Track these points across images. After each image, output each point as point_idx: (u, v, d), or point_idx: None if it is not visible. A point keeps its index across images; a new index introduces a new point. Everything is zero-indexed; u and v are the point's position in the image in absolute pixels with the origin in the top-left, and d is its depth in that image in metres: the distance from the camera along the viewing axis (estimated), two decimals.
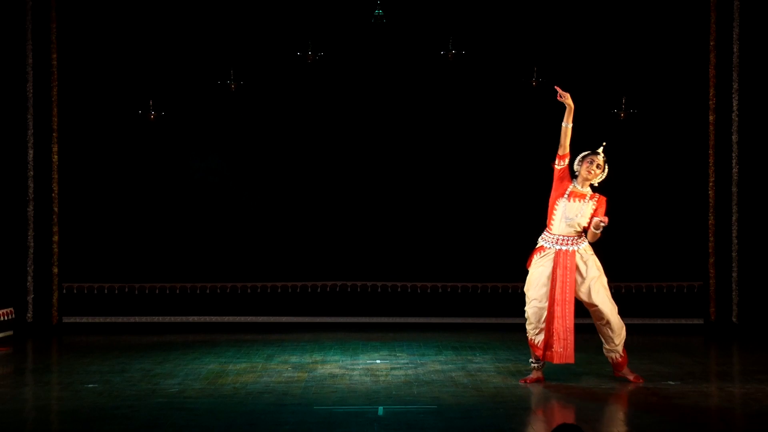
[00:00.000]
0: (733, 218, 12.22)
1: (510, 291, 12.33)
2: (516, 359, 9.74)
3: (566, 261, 8.40)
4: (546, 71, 11.97)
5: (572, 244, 8.47)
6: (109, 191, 12.31)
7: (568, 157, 8.56)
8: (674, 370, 9.18)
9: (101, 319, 12.33)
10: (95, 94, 12.24)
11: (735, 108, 12.12)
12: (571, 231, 8.48)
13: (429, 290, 12.43)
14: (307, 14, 12.17)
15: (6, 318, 11.61)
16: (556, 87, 8.54)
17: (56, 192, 12.21)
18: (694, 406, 7.59)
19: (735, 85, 12.10)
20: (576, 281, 8.43)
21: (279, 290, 12.42)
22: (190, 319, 12.38)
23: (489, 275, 12.39)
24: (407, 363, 9.63)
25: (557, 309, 8.37)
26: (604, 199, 8.56)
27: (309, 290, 12.43)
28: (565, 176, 8.54)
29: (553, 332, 8.37)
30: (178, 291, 12.38)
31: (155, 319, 12.34)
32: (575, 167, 8.56)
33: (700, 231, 12.27)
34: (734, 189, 12.20)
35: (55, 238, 12.25)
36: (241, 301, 12.41)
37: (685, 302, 12.27)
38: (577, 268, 8.43)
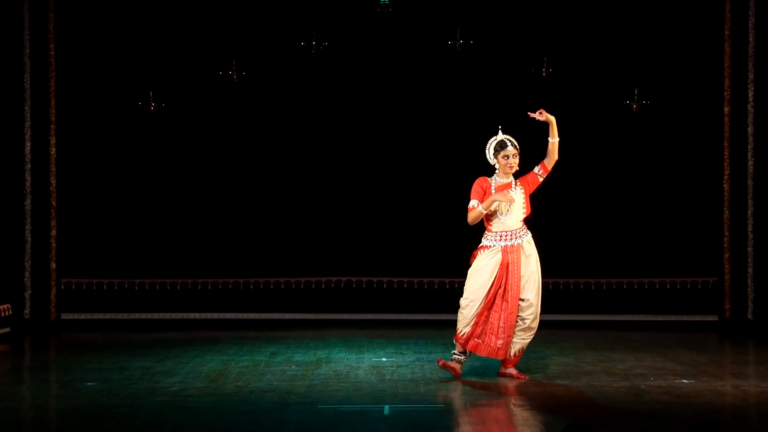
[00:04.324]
0: (749, 212, 12.20)
1: None
2: (525, 357, 9.58)
3: (514, 256, 8.48)
4: (556, 62, 12.01)
5: (517, 238, 8.53)
6: (109, 185, 12.33)
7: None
8: (688, 368, 9.14)
9: (100, 316, 12.35)
10: (94, 86, 12.25)
11: (750, 99, 12.11)
12: (513, 223, 8.53)
13: (436, 286, 12.40)
14: (311, 3, 12.16)
15: (3, 314, 11.61)
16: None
17: (54, 185, 12.24)
18: (708, 405, 7.54)
19: (750, 76, 12.10)
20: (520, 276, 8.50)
21: (282, 286, 12.42)
22: (192, 315, 12.40)
23: None
24: (414, 361, 9.62)
25: (502, 303, 8.43)
26: (524, 176, 8.61)
27: (313, 286, 12.42)
28: (484, 181, 8.61)
29: (489, 324, 8.43)
30: (179, 287, 12.40)
31: (156, 315, 12.37)
32: (490, 160, 8.65)
33: (715, 225, 12.27)
34: (750, 182, 12.19)
35: (53, 232, 12.27)
36: (243, 297, 12.41)
37: (699, 298, 12.28)
38: (520, 262, 8.49)
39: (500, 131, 8.65)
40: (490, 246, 8.51)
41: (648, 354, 9.77)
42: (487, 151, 8.63)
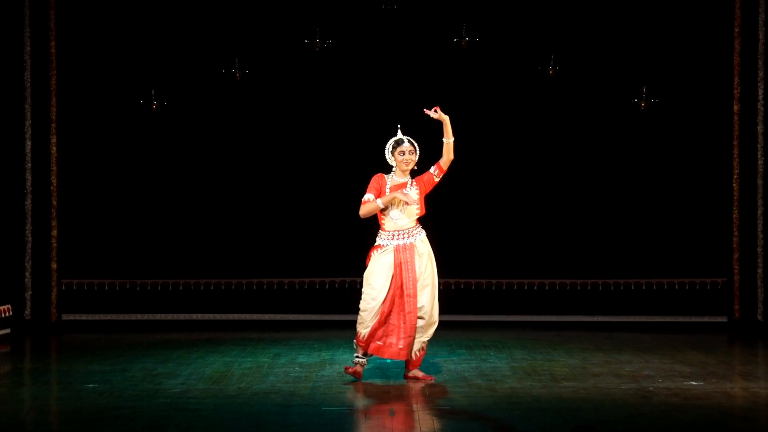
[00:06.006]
0: (759, 212, 12.16)
1: (526, 288, 12.33)
2: (532, 358, 9.75)
3: (406, 255, 8.51)
4: (564, 60, 11.98)
5: (409, 236, 8.55)
6: (110, 184, 12.32)
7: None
8: (697, 369, 9.11)
9: (102, 317, 12.35)
10: (95, 84, 12.24)
11: (760, 97, 12.08)
12: (405, 222, 8.56)
13: (441, 287, 12.17)
14: (315, 0, 12.13)
15: (3, 315, 11.61)
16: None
17: (55, 185, 12.23)
18: (717, 408, 7.51)
19: (760, 74, 12.06)
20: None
21: (286, 287, 12.40)
22: (194, 316, 12.39)
23: (503, 272, 12.37)
24: None
25: (400, 303, 8.44)
26: (420, 176, 8.63)
27: (317, 287, 12.40)
28: (381, 178, 8.65)
29: (390, 325, 8.45)
30: (181, 287, 12.38)
31: (158, 316, 12.36)
32: (388, 159, 8.67)
33: (724, 226, 12.23)
34: (759, 182, 12.14)
35: (54, 232, 12.26)
36: (246, 297, 12.40)
37: (709, 299, 12.25)
38: (414, 261, 8.53)
39: (399, 131, 8.68)
40: (382, 245, 8.54)
41: (656, 355, 9.76)
42: (386, 150, 8.67)
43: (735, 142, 12.10)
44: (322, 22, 12.00)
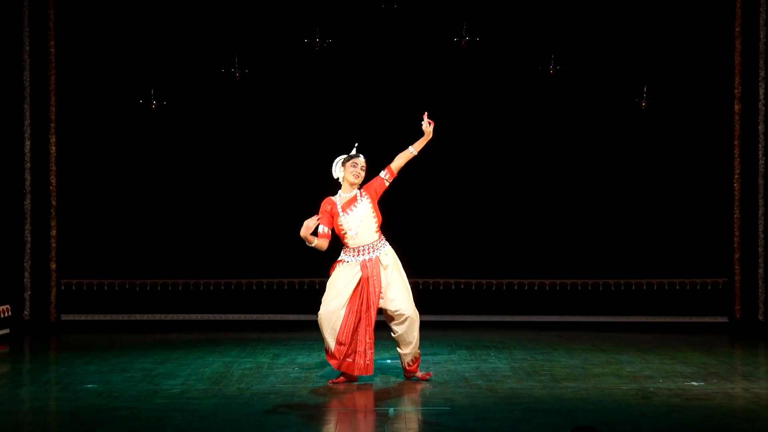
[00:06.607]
0: (760, 212, 12.16)
1: (526, 288, 12.31)
2: (533, 359, 9.74)
3: (372, 269, 8.46)
4: (564, 59, 11.96)
5: (374, 250, 8.51)
6: (110, 184, 12.32)
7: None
8: (698, 370, 9.10)
9: (101, 317, 12.35)
10: (94, 83, 12.23)
11: (761, 97, 12.07)
12: (366, 238, 8.50)
13: (442, 287, 12.36)
14: (315, 0, 12.12)
15: (3, 315, 11.58)
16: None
17: (54, 185, 12.23)
18: (719, 408, 7.50)
19: (762, 73, 12.05)
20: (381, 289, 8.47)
21: (286, 287, 12.39)
22: (193, 316, 12.38)
23: (503, 272, 12.35)
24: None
25: (367, 317, 8.41)
26: (369, 183, 8.59)
27: (317, 287, 12.33)
28: (329, 204, 8.58)
29: (357, 341, 8.40)
30: (180, 287, 12.38)
31: (157, 316, 12.36)
32: (335, 174, 8.64)
33: (725, 225, 12.22)
34: (760, 181, 12.13)
35: (53, 232, 12.26)
36: (246, 298, 12.39)
37: (709, 300, 12.24)
38: (380, 275, 8.48)
39: (355, 148, 8.67)
40: (347, 261, 8.51)
41: (657, 356, 9.75)
42: (333, 167, 8.63)
43: (736, 142, 12.09)
44: (322, 21, 11.98)
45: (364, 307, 8.40)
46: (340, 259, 8.57)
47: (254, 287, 12.34)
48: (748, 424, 7.08)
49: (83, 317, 12.26)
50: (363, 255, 8.47)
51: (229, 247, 12.33)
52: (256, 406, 7.58)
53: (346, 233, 8.47)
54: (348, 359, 8.39)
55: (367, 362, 8.38)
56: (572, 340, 10.85)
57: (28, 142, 12.08)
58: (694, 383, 8.39)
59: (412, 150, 8.60)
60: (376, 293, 8.40)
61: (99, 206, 12.25)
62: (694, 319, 12.17)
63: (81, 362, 9.61)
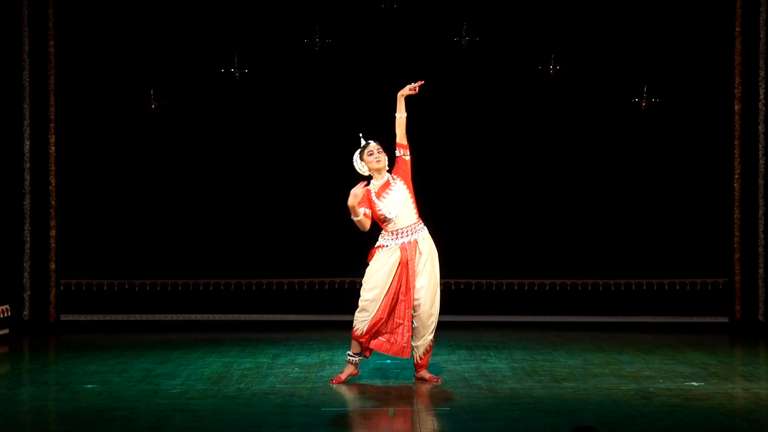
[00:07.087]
0: (760, 212, 12.14)
1: (526, 288, 12.31)
2: (533, 359, 9.73)
3: (411, 252, 8.46)
4: (564, 59, 11.95)
5: (412, 233, 8.51)
6: (109, 184, 12.29)
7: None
8: (698, 370, 9.09)
9: (100, 317, 12.33)
10: (94, 83, 12.21)
11: (762, 97, 12.04)
12: (405, 221, 8.51)
13: (442, 287, 12.16)
14: (315, 0, 12.11)
15: (2, 316, 11.55)
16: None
17: (54, 185, 12.21)
18: (719, 408, 7.49)
19: (762, 73, 12.03)
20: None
21: (285, 287, 12.37)
22: (193, 317, 12.37)
23: (503, 272, 12.34)
24: None
25: (406, 300, 8.42)
26: (395, 167, 8.57)
27: (317, 287, 12.38)
28: (367, 191, 8.53)
29: (394, 323, 8.41)
30: (180, 288, 12.36)
31: (156, 316, 12.33)
32: (359, 168, 8.63)
33: (725, 225, 12.19)
34: (760, 181, 12.11)
35: (53, 232, 12.24)
36: (246, 298, 12.37)
37: (709, 300, 12.22)
38: (415, 258, 8.50)
39: (362, 138, 8.68)
40: (386, 245, 8.49)
41: (657, 356, 9.74)
42: (354, 166, 8.63)
43: (736, 142, 12.07)
44: (322, 21, 11.98)
45: (403, 289, 8.39)
46: (379, 244, 8.54)
47: (254, 287, 12.33)
48: (748, 424, 7.07)
49: (83, 317, 12.24)
50: (402, 237, 8.46)
51: (229, 247, 12.32)
52: (256, 406, 7.57)
53: (385, 217, 8.46)
54: (381, 338, 8.39)
55: (403, 344, 8.38)
56: (572, 341, 10.84)
57: (27, 142, 12.07)
58: (694, 383, 8.38)
59: (401, 115, 8.61)
60: (415, 275, 8.39)
61: (98, 206, 12.24)
62: (694, 320, 12.16)
63: (80, 362, 9.60)
